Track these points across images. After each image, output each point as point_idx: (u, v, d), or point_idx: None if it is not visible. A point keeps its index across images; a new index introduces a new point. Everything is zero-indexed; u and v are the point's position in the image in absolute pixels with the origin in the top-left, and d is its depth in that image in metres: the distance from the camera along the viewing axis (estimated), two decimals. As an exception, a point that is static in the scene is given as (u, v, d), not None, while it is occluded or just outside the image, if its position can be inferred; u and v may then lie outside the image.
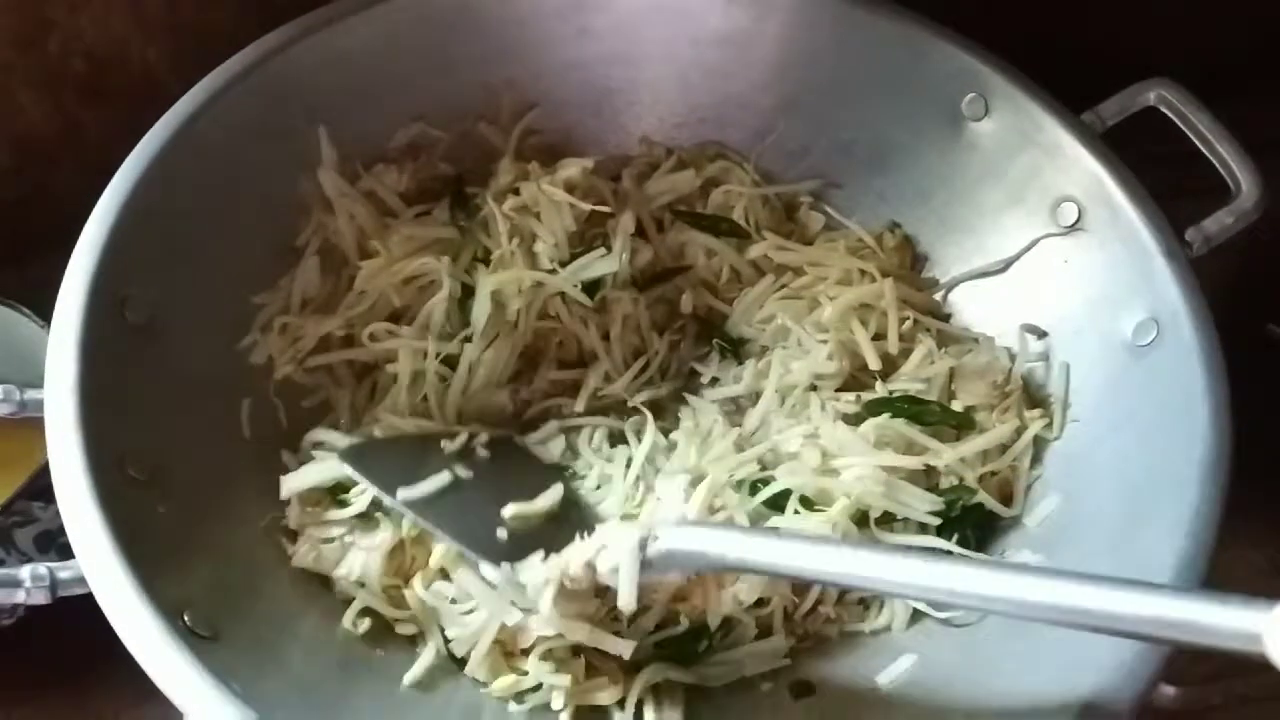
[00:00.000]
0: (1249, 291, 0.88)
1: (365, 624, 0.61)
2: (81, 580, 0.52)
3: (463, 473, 0.64)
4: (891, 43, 0.73)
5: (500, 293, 0.69)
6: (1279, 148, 0.70)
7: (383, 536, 0.62)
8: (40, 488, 0.66)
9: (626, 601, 0.56)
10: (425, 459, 0.64)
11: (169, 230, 0.63)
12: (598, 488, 0.66)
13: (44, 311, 0.71)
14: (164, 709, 0.72)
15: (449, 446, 0.66)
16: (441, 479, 0.63)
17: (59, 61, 0.78)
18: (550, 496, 0.63)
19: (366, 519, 0.62)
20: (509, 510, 0.62)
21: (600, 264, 0.71)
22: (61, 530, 0.67)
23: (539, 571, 0.58)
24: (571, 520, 0.62)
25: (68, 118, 0.81)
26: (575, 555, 0.58)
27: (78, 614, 0.65)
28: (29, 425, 0.74)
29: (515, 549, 0.60)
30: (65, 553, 0.67)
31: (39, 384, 0.57)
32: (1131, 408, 0.64)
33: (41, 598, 0.53)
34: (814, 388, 0.70)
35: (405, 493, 0.61)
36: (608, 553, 0.57)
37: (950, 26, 0.72)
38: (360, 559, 0.61)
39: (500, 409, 0.70)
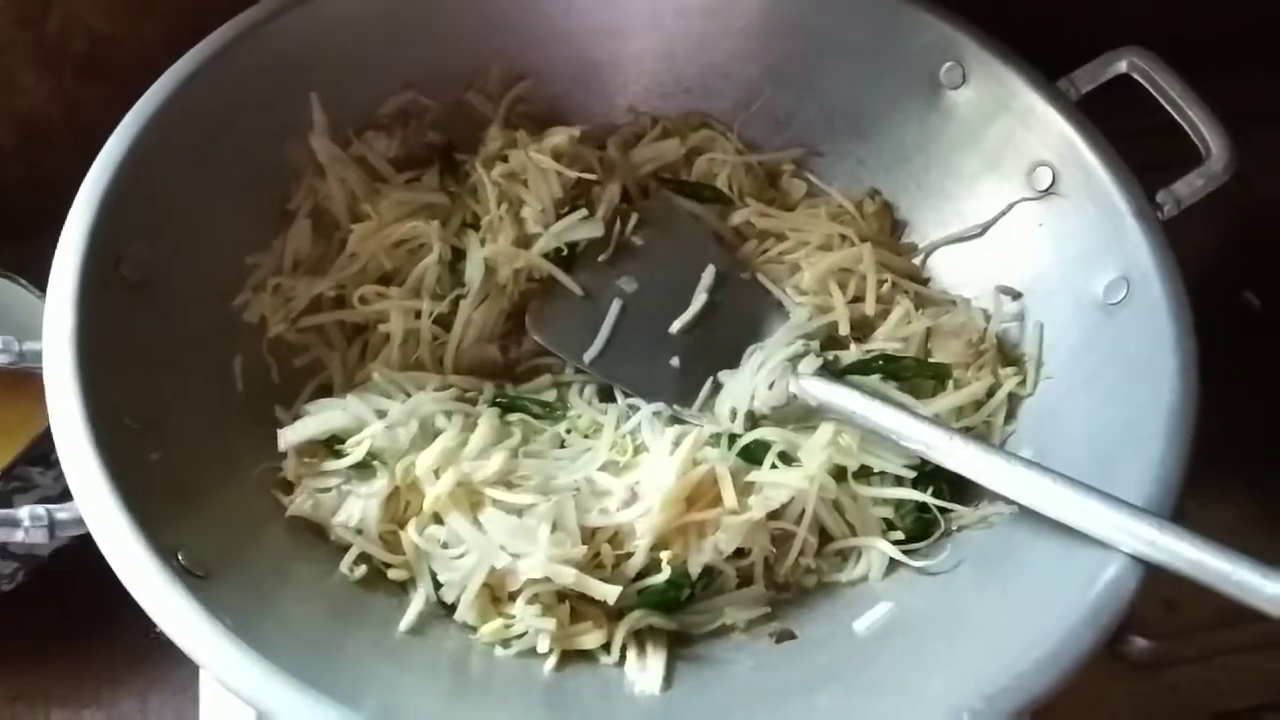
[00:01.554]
0: (1226, 262, 0.90)
1: (361, 570, 0.63)
2: (78, 521, 0.54)
3: (626, 286, 0.73)
4: (871, 12, 0.75)
5: (492, 258, 0.71)
6: (1253, 122, 0.72)
7: (380, 483, 0.63)
8: (40, 454, 0.68)
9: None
10: (592, 295, 0.73)
11: (164, 190, 0.65)
12: (586, 435, 0.68)
13: (43, 286, 0.72)
14: (163, 669, 0.74)
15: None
16: (614, 309, 0.72)
17: (59, 41, 0.79)
18: (704, 283, 0.72)
19: (363, 467, 0.63)
20: (675, 325, 0.72)
21: (583, 227, 0.73)
22: (61, 496, 0.69)
23: (727, 404, 0.68)
24: (724, 318, 0.73)
25: (67, 98, 0.83)
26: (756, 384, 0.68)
27: (75, 581, 0.67)
28: (28, 393, 0.75)
29: (689, 374, 0.70)
30: (65, 517, 0.69)
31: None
32: (1102, 364, 0.65)
33: (40, 537, 0.54)
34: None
35: (589, 353, 0.71)
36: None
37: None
38: (358, 506, 0.63)
39: (492, 361, 0.72)
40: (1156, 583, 0.55)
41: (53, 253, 0.60)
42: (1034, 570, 0.59)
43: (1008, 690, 0.51)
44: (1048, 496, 0.57)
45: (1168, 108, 0.69)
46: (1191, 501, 0.58)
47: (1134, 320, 0.64)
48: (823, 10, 0.76)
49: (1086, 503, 0.56)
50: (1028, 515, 0.60)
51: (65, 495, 0.69)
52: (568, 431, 0.68)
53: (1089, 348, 0.67)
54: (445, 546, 0.62)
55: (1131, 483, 0.58)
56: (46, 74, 0.81)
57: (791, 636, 0.64)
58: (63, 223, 0.61)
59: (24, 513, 0.54)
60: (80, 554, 0.54)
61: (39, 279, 0.73)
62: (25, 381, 0.76)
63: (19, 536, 0.54)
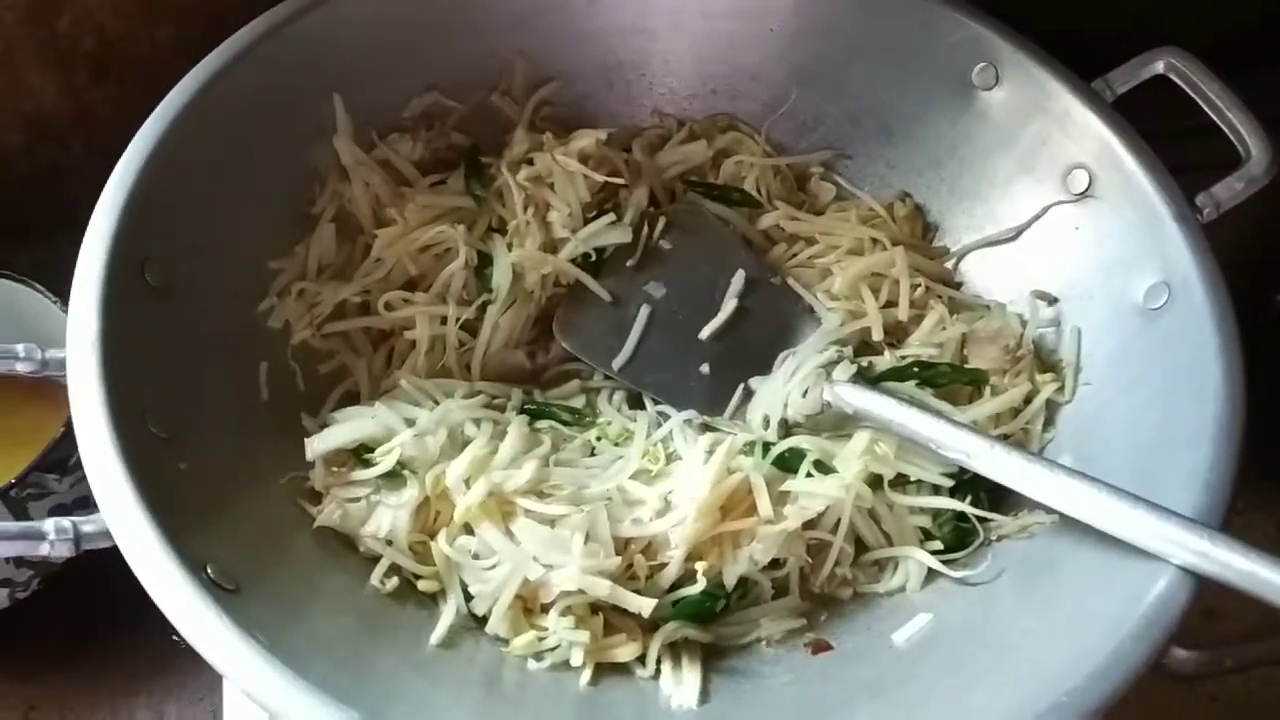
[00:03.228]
0: (1256, 263, 0.89)
1: (393, 582, 0.62)
2: (105, 534, 0.52)
3: (655, 291, 0.72)
4: (903, 12, 0.73)
5: (519, 263, 0.70)
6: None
7: (410, 493, 0.62)
8: (54, 460, 0.67)
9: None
10: (620, 300, 0.72)
11: (187, 194, 0.64)
12: (617, 443, 0.67)
13: (56, 289, 0.71)
14: (179, 680, 0.73)
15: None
16: (642, 315, 0.71)
17: (70, 40, 0.78)
18: (734, 288, 0.72)
19: (393, 477, 0.62)
20: (705, 331, 0.71)
21: (611, 232, 0.72)
22: (77, 504, 0.68)
23: (759, 411, 0.67)
24: (754, 324, 0.72)
25: (78, 97, 0.82)
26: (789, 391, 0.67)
27: (92, 588, 0.66)
28: (42, 399, 0.75)
29: (719, 380, 0.70)
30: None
31: (58, 353, 0.57)
32: (1143, 370, 0.64)
33: (65, 550, 0.53)
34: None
35: (618, 360, 0.70)
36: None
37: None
38: (388, 516, 0.62)
39: (519, 367, 0.71)
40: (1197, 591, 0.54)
41: (62, 254, 0.59)
42: (1079, 581, 0.58)
43: (1061, 707, 0.50)
44: (1094, 507, 0.56)
45: (1206, 109, 0.68)
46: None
47: (1176, 326, 0.63)
48: (852, 11, 0.75)
49: (1134, 513, 0.55)
50: (1069, 524, 0.59)
51: (80, 503, 0.68)
52: (598, 439, 0.67)
53: (1129, 354, 0.65)
54: (476, 557, 0.61)
55: (1178, 492, 0.56)
56: (56, 73, 0.80)
57: (828, 647, 0.63)
58: (73, 224, 0.60)
59: (49, 525, 0.53)
60: (94, 561, 0.54)
61: (49, 280, 0.73)
62: (39, 387, 0.75)
63: (44, 550, 0.52)
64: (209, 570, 0.52)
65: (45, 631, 0.73)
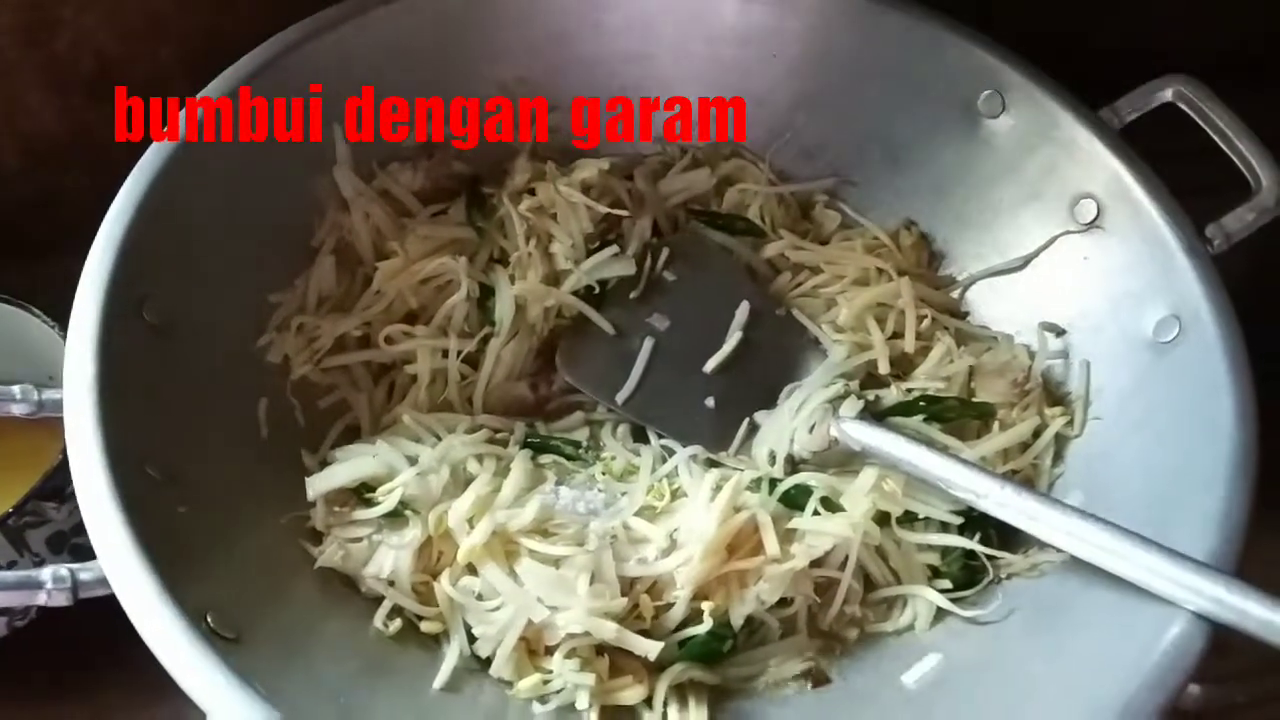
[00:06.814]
0: (1268, 292, 0.88)
1: (396, 624, 0.61)
2: (103, 582, 0.52)
3: (658, 324, 0.71)
4: (908, 39, 0.73)
5: (522, 296, 0.69)
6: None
7: (412, 533, 0.61)
8: (52, 488, 0.66)
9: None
10: (624, 333, 0.71)
11: (185, 229, 0.63)
12: (621, 479, 0.66)
13: (53, 312, 0.70)
14: (177, 709, 0.72)
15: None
16: (646, 348, 0.70)
17: (68, 61, 0.78)
18: (738, 320, 0.71)
19: (395, 516, 0.61)
20: (710, 364, 0.70)
21: (614, 265, 0.72)
22: (74, 531, 0.67)
23: (765, 447, 0.67)
24: (759, 356, 0.71)
25: (77, 118, 0.81)
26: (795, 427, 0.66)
27: (91, 615, 0.65)
28: (38, 424, 0.74)
29: (724, 414, 0.69)
30: (78, 553, 0.67)
31: (49, 384, 0.56)
32: (1154, 405, 0.64)
33: (63, 600, 0.52)
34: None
35: (622, 394, 0.69)
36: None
37: (967, 23, 0.72)
38: (390, 557, 0.61)
39: (521, 399, 0.70)
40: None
41: (59, 274, 0.59)
42: (1091, 625, 0.58)
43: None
44: (1107, 551, 0.55)
45: (1215, 138, 0.67)
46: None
47: (1187, 361, 0.62)
48: (856, 36, 0.74)
49: (1148, 558, 0.54)
50: (1080, 563, 0.58)
51: (78, 530, 0.67)
52: (602, 474, 0.66)
53: (1140, 388, 0.65)
54: (480, 598, 0.60)
55: (1192, 533, 0.56)
56: (54, 95, 0.80)
57: (826, 680, 0.62)
58: (71, 244, 0.59)
59: (46, 574, 0.52)
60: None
61: (46, 302, 0.72)
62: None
63: (41, 600, 0.52)
64: (209, 619, 0.51)
65: (44, 660, 0.72)
